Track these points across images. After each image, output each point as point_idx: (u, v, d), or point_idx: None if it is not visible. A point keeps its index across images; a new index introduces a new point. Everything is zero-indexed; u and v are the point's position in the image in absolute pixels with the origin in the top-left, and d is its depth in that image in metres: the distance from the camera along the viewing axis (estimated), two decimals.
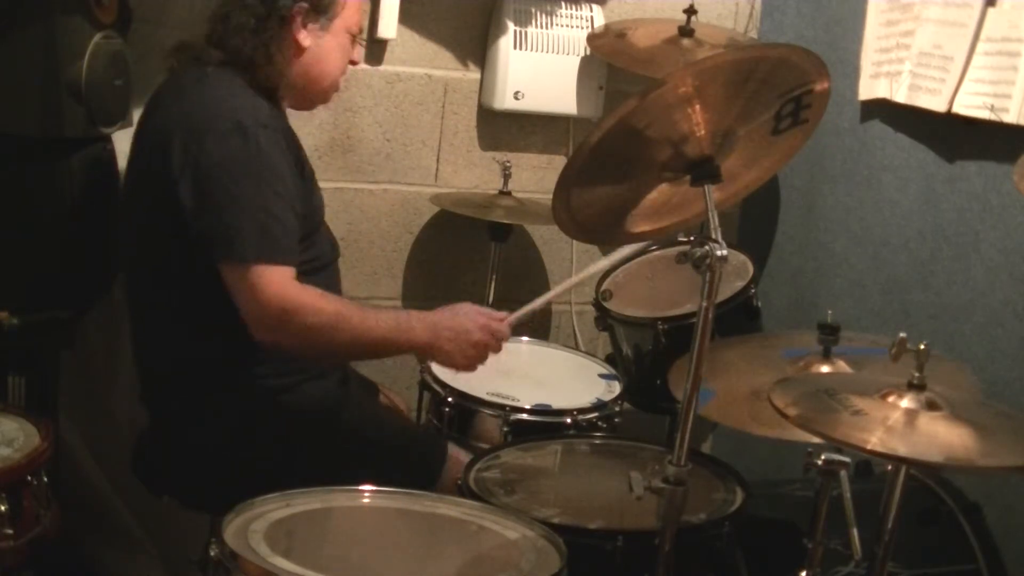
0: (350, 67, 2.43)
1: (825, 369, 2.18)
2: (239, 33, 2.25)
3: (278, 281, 2.12)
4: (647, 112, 1.87)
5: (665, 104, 1.86)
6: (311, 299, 2.16)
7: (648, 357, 2.80)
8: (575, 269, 3.37)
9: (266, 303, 2.11)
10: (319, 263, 2.33)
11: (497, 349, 2.28)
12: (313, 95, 2.40)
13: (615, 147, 1.92)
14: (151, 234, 2.27)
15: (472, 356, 2.26)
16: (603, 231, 2.17)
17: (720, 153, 1.96)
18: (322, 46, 2.31)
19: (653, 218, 2.13)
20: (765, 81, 1.91)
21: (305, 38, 2.29)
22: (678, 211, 2.13)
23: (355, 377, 2.61)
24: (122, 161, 2.61)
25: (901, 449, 1.67)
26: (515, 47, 3.12)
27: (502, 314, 2.32)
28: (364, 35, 2.42)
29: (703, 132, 1.91)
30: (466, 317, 2.26)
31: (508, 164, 3.11)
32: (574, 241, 3.34)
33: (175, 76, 2.31)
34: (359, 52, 2.43)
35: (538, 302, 2.45)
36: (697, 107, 1.88)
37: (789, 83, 1.94)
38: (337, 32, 2.32)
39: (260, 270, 2.11)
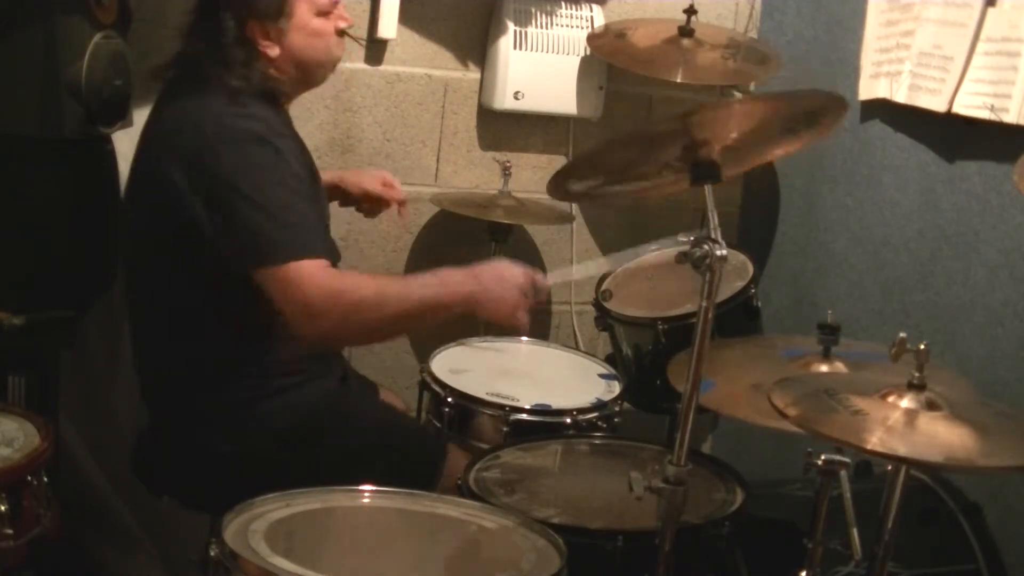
0: (349, 48, 2.43)
1: (825, 369, 2.18)
2: (211, 56, 2.24)
3: (315, 272, 2.13)
4: (710, 117, 1.89)
5: (726, 115, 1.89)
6: (351, 278, 2.19)
7: (648, 357, 2.80)
8: (575, 269, 3.37)
9: (310, 294, 2.11)
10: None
11: (538, 300, 2.26)
12: (309, 79, 2.38)
13: (654, 134, 1.93)
14: (153, 235, 2.27)
15: (519, 301, 2.22)
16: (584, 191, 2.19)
17: (724, 159, 1.96)
18: (292, 44, 2.27)
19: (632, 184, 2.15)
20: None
21: (270, 47, 2.26)
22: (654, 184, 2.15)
23: (355, 377, 2.61)
24: (122, 161, 2.61)
25: (901, 449, 1.67)
26: (515, 47, 3.12)
27: (539, 277, 2.29)
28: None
29: (726, 144, 1.92)
30: (506, 269, 2.25)
31: (508, 164, 3.10)
32: (574, 241, 3.34)
33: (171, 87, 2.30)
34: (342, 19, 2.35)
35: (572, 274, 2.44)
36: (747, 126, 1.90)
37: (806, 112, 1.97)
38: (301, 24, 2.27)
39: (296, 267, 2.11)
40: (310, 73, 2.35)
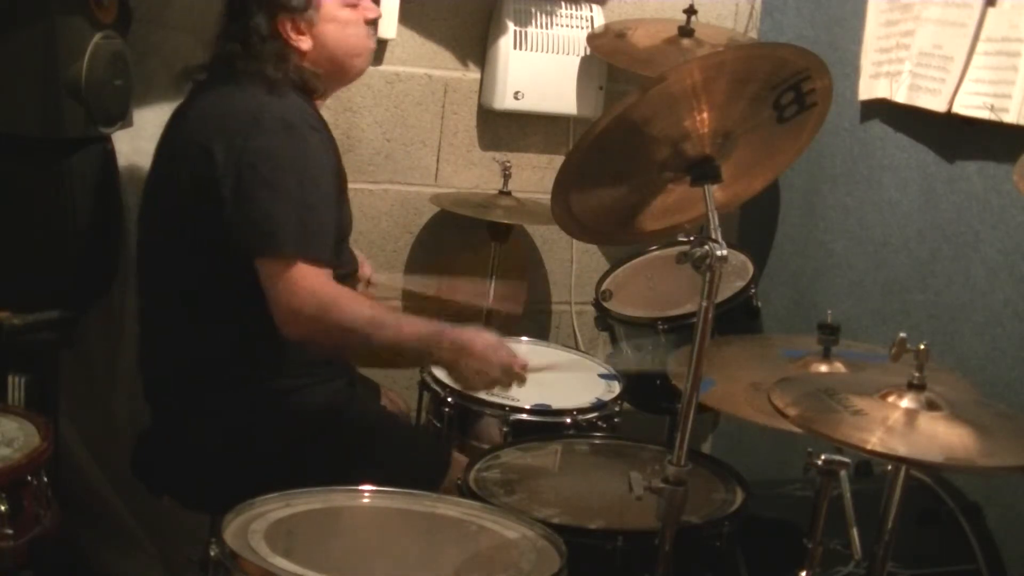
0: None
1: (825, 369, 2.18)
2: (245, 55, 2.24)
3: (317, 278, 2.13)
4: (651, 107, 1.87)
5: (671, 99, 1.86)
6: (349, 299, 2.18)
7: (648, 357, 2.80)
8: (575, 269, 3.38)
9: (305, 299, 2.11)
10: (343, 272, 2.33)
11: (508, 388, 2.27)
12: (344, 71, 2.39)
13: (613, 145, 1.91)
14: (175, 237, 2.26)
15: (486, 385, 2.26)
16: (606, 231, 2.17)
17: (720, 153, 1.95)
18: (325, 37, 2.29)
19: (658, 218, 2.13)
20: (765, 81, 1.91)
21: (303, 42, 2.28)
22: (683, 211, 2.13)
23: (361, 381, 2.61)
24: (122, 161, 2.62)
25: (901, 449, 1.67)
26: (515, 47, 3.12)
27: (524, 360, 2.27)
28: None
29: (705, 130, 1.91)
30: (493, 352, 2.22)
31: (508, 164, 3.11)
32: (574, 241, 3.34)
33: (204, 84, 2.30)
34: (370, 9, 2.37)
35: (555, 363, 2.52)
36: (703, 103, 1.87)
37: (784, 75, 1.93)
38: (331, 16, 2.29)
39: (301, 267, 2.11)
40: (345, 65, 2.36)
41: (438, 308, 2.72)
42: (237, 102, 2.21)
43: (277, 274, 2.12)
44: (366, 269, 2.72)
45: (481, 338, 2.23)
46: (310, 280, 2.12)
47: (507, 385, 2.25)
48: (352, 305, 2.16)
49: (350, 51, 2.35)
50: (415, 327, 2.22)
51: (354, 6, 2.33)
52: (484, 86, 3.19)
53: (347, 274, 2.38)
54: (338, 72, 2.36)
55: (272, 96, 2.20)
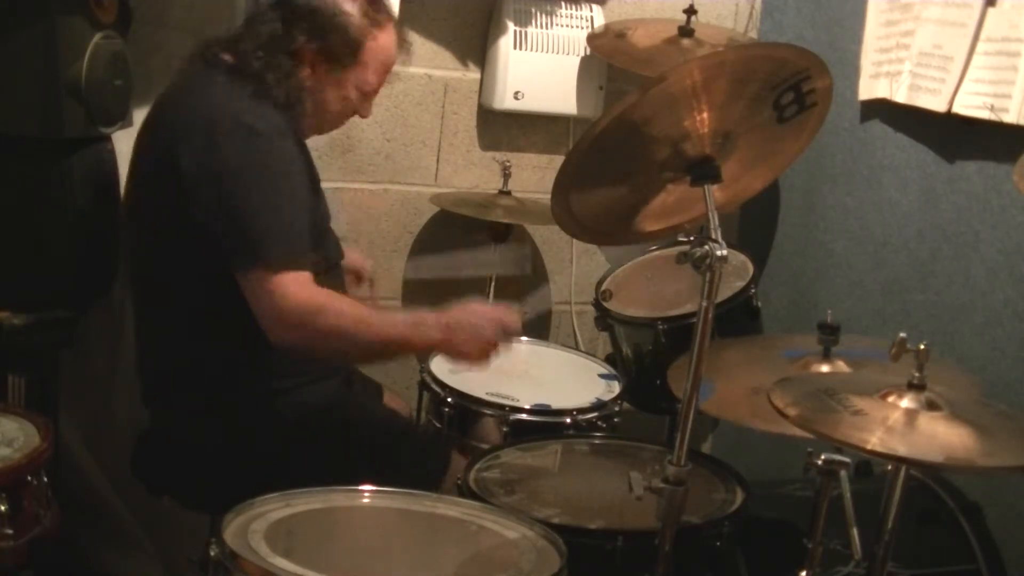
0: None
1: (825, 369, 2.18)
2: (253, 51, 2.24)
3: (299, 285, 2.12)
4: (651, 107, 1.87)
5: (671, 99, 1.86)
6: (333, 301, 2.17)
7: (648, 357, 2.80)
8: (575, 269, 3.38)
9: (289, 306, 2.11)
10: (327, 264, 2.33)
11: (509, 343, 2.28)
12: (313, 125, 2.38)
13: (613, 145, 1.91)
14: (158, 235, 2.26)
15: (486, 352, 2.26)
16: (606, 231, 2.17)
17: (720, 153, 1.95)
18: (323, 92, 2.30)
19: (658, 218, 2.13)
20: (765, 81, 1.91)
21: (308, 78, 2.27)
22: (683, 211, 2.13)
23: (359, 379, 2.61)
24: (122, 161, 2.61)
25: (901, 449, 1.67)
26: (515, 47, 3.12)
27: (512, 308, 2.31)
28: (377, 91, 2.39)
29: (705, 130, 1.91)
30: (477, 315, 2.25)
31: (508, 164, 3.11)
32: (574, 241, 3.34)
33: (183, 77, 2.30)
34: (367, 108, 2.40)
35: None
36: (703, 103, 1.87)
37: (784, 75, 1.93)
38: (345, 84, 2.30)
39: (281, 276, 2.11)
40: (313, 118, 2.34)
41: (442, 290, 2.73)
42: (207, 107, 2.19)
43: (258, 286, 2.12)
44: (367, 267, 2.73)
45: (462, 310, 2.25)
46: (291, 287, 2.11)
47: (506, 341, 2.25)
48: (336, 307, 2.16)
49: (327, 117, 2.36)
50: (399, 319, 2.25)
51: (363, 93, 2.34)
52: (484, 86, 3.19)
53: (333, 264, 2.38)
54: (308, 114, 2.34)
55: (253, 104, 2.19)
